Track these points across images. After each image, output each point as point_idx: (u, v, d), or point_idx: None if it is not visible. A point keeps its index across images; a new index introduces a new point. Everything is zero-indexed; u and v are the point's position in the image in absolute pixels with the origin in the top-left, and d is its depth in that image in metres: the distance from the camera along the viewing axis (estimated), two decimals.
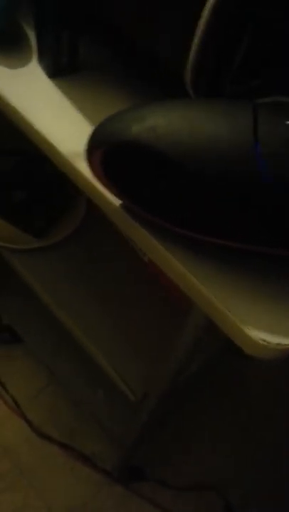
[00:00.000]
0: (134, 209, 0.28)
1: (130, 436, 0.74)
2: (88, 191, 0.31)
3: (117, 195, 0.28)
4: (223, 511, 0.89)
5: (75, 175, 0.31)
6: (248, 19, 0.25)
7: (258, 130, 0.23)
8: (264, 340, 0.25)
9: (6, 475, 0.87)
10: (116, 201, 0.29)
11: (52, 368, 0.85)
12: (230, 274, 0.27)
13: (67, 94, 0.35)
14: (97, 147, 0.25)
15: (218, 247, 0.27)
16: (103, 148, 0.25)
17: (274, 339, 0.25)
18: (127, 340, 0.63)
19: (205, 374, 0.87)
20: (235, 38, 0.26)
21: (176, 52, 0.28)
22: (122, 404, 0.66)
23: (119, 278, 0.66)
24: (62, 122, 0.33)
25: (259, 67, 0.28)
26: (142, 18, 0.29)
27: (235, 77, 0.29)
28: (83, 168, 0.30)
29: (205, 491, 0.89)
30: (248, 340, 0.25)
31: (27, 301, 0.78)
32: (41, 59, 0.36)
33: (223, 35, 0.26)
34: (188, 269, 0.27)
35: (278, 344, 0.25)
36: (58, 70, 0.35)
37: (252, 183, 0.23)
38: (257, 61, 0.28)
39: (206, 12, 0.25)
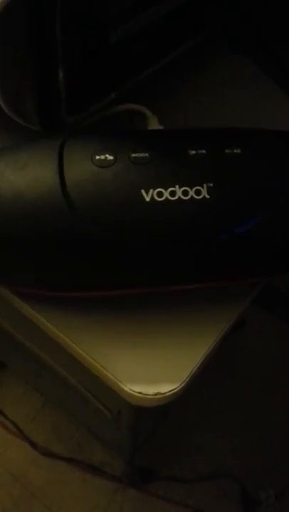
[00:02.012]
0: None
1: (126, 444, 0.73)
2: None
3: None
4: (240, 495, 0.88)
5: None
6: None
7: (64, 172, 0.21)
8: (141, 393, 0.24)
9: (19, 501, 0.88)
10: None
11: (39, 389, 0.85)
12: (105, 331, 0.26)
13: None
14: None
15: (81, 303, 0.25)
16: None
17: (151, 390, 0.24)
18: None
19: None
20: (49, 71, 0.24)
21: None
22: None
23: None
24: None
25: (90, 93, 0.26)
26: None
27: (70, 108, 0.26)
28: None
29: (218, 478, 0.88)
30: (126, 394, 0.24)
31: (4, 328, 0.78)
32: None
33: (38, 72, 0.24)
34: (61, 331, 0.26)
35: (157, 394, 0.24)
36: None
37: (68, 233, 0.21)
38: (84, 88, 0.25)
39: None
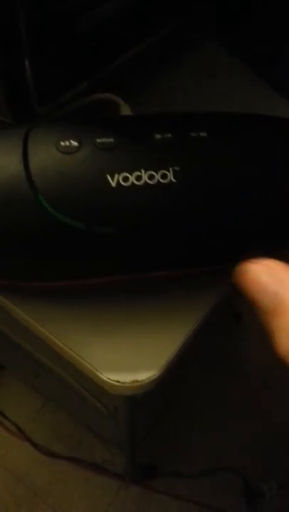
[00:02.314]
0: None
1: (125, 441, 0.73)
2: None
3: None
4: (243, 489, 0.88)
5: None
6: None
7: (29, 159, 0.20)
8: (118, 381, 0.24)
9: (22, 501, 0.88)
10: None
11: (38, 389, 0.85)
12: (81, 321, 0.26)
13: None
14: None
15: (56, 293, 0.25)
16: None
17: (128, 378, 0.24)
18: None
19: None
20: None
21: None
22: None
23: None
24: None
25: (60, 83, 0.26)
26: None
27: (40, 98, 0.26)
28: None
29: (220, 472, 0.88)
30: (104, 382, 0.24)
31: None
32: None
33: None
34: (37, 322, 0.25)
35: (134, 381, 0.24)
36: None
37: (34, 223, 0.20)
38: (54, 78, 0.25)
39: None
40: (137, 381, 0.24)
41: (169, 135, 0.21)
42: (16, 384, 0.95)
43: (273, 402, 0.93)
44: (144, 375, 0.24)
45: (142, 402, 0.58)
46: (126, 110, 0.28)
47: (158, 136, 0.21)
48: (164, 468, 0.89)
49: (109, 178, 0.20)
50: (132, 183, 0.20)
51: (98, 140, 0.21)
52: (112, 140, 0.21)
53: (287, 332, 0.17)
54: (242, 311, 0.98)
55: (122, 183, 0.20)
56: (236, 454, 0.90)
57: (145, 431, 0.83)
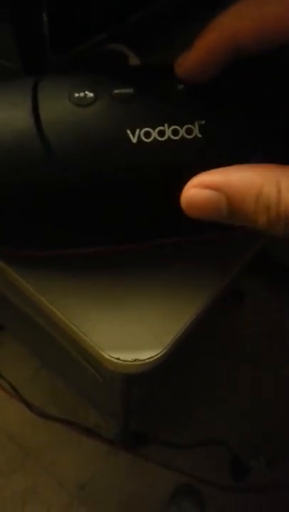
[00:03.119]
0: None
1: (119, 409, 0.73)
2: None
3: None
4: (232, 462, 0.89)
5: None
6: None
7: (39, 111, 0.18)
8: (119, 359, 0.23)
9: (13, 458, 0.89)
10: None
11: (37, 353, 0.84)
12: (85, 296, 0.24)
13: None
14: None
15: (62, 266, 0.23)
16: None
17: (129, 356, 0.23)
18: None
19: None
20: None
21: None
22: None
23: None
24: None
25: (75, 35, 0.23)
26: None
27: (54, 48, 0.24)
28: None
29: (210, 445, 0.89)
30: (104, 359, 0.23)
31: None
32: None
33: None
34: (43, 295, 0.24)
35: (136, 360, 0.23)
36: None
37: (44, 181, 0.18)
38: (69, 30, 0.23)
39: None
40: (138, 360, 0.23)
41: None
42: (15, 345, 0.95)
43: (273, 382, 0.93)
44: (146, 355, 0.23)
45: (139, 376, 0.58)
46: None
47: (180, 86, 0.19)
48: (156, 438, 0.90)
49: (129, 133, 0.18)
50: (155, 139, 0.18)
51: (116, 91, 0.19)
52: (130, 91, 0.19)
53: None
54: (244, 291, 0.97)
55: (144, 139, 0.18)
56: (228, 429, 0.90)
57: (140, 401, 0.83)
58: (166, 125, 0.19)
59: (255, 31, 0.17)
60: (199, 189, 0.17)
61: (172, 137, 0.19)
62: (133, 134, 0.18)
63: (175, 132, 0.19)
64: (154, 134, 0.18)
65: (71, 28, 0.24)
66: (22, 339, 0.86)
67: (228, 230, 0.19)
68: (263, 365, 0.95)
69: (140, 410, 0.88)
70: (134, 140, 0.18)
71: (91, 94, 0.19)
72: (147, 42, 0.26)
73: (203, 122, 0.19)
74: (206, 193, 0.16)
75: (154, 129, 0.18)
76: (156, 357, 0.23)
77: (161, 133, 0.19)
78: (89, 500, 0.87)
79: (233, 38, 0.17)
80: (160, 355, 0.23)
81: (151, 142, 0.18)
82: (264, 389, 0.93)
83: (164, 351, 0.23)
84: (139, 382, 0.59)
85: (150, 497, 0.87)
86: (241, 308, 0.98)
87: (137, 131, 0.18)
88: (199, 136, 0.19)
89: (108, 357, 0.23)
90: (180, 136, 0.19)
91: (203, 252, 0.24)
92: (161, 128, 0.19)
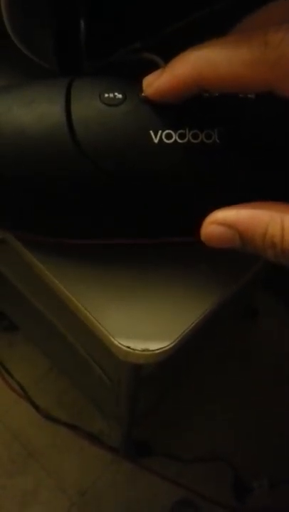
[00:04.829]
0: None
1: (124, 415, 0.74)
2: None
3: None
4: (233, 481, 0.88)
5: None
6: None
7: (71, 109, 0.20)
8: (129, 347, 0.24)
9: (16, 459, 0.90)
10: None
11: (48, 353, 0.86)
12: (102, 284, 0.25)
13: None
14: None
15: (81, 253, 0.25)
16: None
17: (139, 346, 0.24)
18: None
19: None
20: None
21: None
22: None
23: None
24: None
25: (111, 41, 0.25)
26: None
27: (90, 55, 0.26)
28: None
29: (213, 461, 0.89)
30: (115, 347, 0.24)
31: (16, 289, 0.79)
32: None
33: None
34: (59, 280, 0.25)
35: (145, 350, 0.24)
36: None
37: (71, 173, 0.20)
38: (105, 39, 0.25)
39: None
40: (148, 350, 0.24)
41: (216, 94, 0.20)
42: (27, 346, 0.97)
43: (278, 401, 0.92)
44: (157, 345, 0.24)
45: (146, 379, 0.58)
46: None
47: (205, 94, 0.20)
48: (158, 449, 0.90)
49: (152, 133, 0.20)
50: (175, 141, 0.20)
51: (143, 94, 0.20)
52: None
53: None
54: (258, 306, 0.97)
55: (165, 140, 0.20)
56: (232, 446, 0.90)
57: (145, 409, 0.83)
58: (187, 129, 0.20)
59: (217, 81, 0.18)
60: (216, 225, 0.19)
61: (192, 140, 0.20)
62: (155, 134, 0.20)
63: (195, 136, 0.20)
64: (175, 136, 0.20)
65: (106, 36, 0.25)
66: (34, 339, 0.88)
67: None
68: (272, 384, 0.95)
69: (144, 421, 0.88)
70: (156, 140, 0.20)
71: (120, 96, 0.20)
72: (179, 53, 0.28)
73: (222, 129, 0.20)
74: (220, 230, 0.19)
75: (175, 131, 0.20)
76: (165, 348, 0.23)
77: (182, 136, 0.20)
78: (88, 507, 0.87)
79: (196, 79, 0.18)
80: (169, 347, 0.23)
81: (171, 143, 0.20)
82: (273, 409, 0.92)
83: (173, 344, 0.24)
84: (144, 388, 0.60)
85: (149, 508, 0.87)
86: (254, 324, 0.98)
87: (160, 132, 0.20)
88: (218, 141, 0.20)
89: (119, 344, 0.24)
90: (199, 140, 0.20)
91: (219, 252, 0.25)
92: (182, 131, 0.20)
